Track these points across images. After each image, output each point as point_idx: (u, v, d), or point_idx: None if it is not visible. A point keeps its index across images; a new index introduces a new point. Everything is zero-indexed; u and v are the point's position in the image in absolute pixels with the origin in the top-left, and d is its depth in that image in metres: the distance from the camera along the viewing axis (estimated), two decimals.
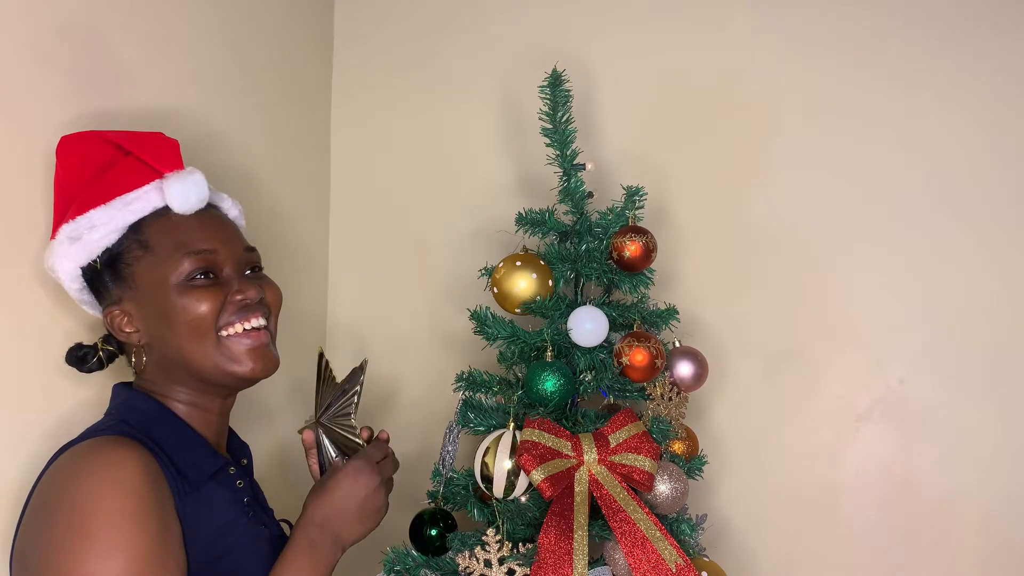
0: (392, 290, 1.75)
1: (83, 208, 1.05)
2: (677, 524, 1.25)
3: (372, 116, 1.78)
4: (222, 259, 1.08)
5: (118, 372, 1.18)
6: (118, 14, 1.26)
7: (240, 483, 1.10)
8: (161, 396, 1.08)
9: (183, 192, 1.07)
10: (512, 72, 1.66)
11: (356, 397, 1.21)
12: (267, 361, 1.10)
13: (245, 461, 1.21)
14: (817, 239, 1.50)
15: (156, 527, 0.93)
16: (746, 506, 1.52)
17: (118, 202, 1.05)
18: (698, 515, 1.30)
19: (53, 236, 1.08)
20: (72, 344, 1.12)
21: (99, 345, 1.12)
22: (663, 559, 1.14)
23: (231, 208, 1.18)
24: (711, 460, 1.39)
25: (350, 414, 1.21)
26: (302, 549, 1.08)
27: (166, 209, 1.07)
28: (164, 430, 1.04)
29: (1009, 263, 1.41)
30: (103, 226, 1.05)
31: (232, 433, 1.21)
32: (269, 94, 1.61)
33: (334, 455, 1.22)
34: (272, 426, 1.60)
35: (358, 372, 1.22)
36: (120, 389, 1.10)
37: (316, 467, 1.24)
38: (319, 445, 1.23)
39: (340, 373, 1.25)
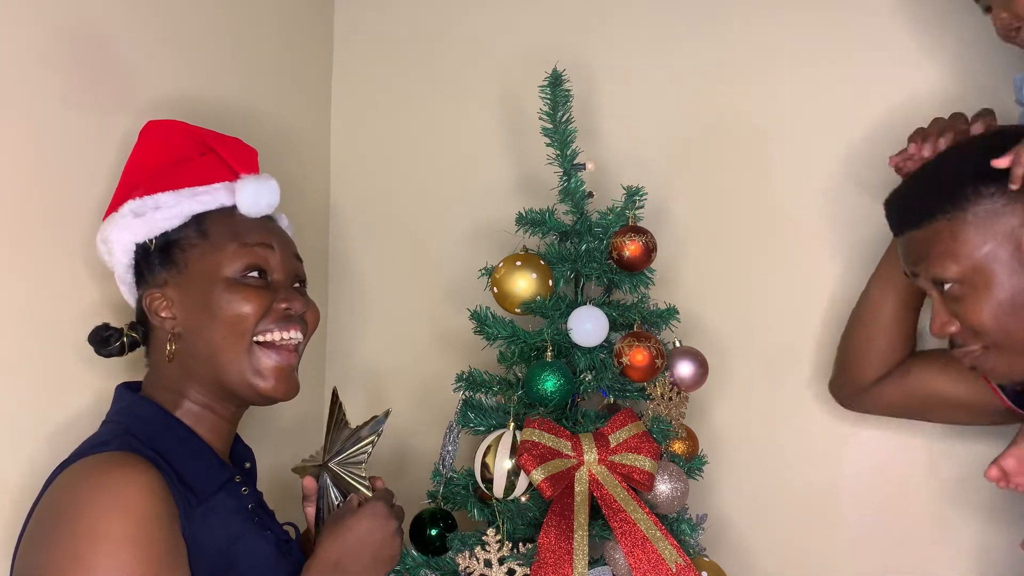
0: (392, 290, 1.75)
1: (151, 190, 1.07)
2: (677, 524, 1.25)
3: (372, 116, 1.78)
4: (276, 261, 1.09)
5: (132, 369, 1.17)
6: (118, 14, 1.26)
7: (244, 490, 1.08)
8: (173, 395, 1.06)
9: (255, 193, 1.09)
10: (512, 72, 1.66)
11: (371, 446, 1.17)
12: (289, 384, 1.09)
13: (248, 465, 1.17)
14: (817, 239, 1.50)
15: (159, 553, 0.90)
16: (746, 506, 1.52)
17: (187, 191, 1.07)
18: (698, 515, 1.30)
19: (111, 211, 1.09)
20: (98, 324, 1.10)
21: (124, 330, 1.09)
22: (663, 559, 1.14)
23: (287, 227, 1.20)
24: (711, 460, 1.39)
25: (362, 462, 1.17)
26: None
27: (232, 209, 1.09)
28: (170, 441, 1.02)
29: None
30: (168, 209, 1.06)
31: (236, 437, 1.17)
32: (269, 94, 1.61)
33: (337, 501, 1.17)
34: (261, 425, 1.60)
35: (379, 421, 1.19)
36: (123, 392, 1.07)
37: (313, 512, 1.19)
38: (322, 489, 1.18)
39: (346, 402, 1.22)
